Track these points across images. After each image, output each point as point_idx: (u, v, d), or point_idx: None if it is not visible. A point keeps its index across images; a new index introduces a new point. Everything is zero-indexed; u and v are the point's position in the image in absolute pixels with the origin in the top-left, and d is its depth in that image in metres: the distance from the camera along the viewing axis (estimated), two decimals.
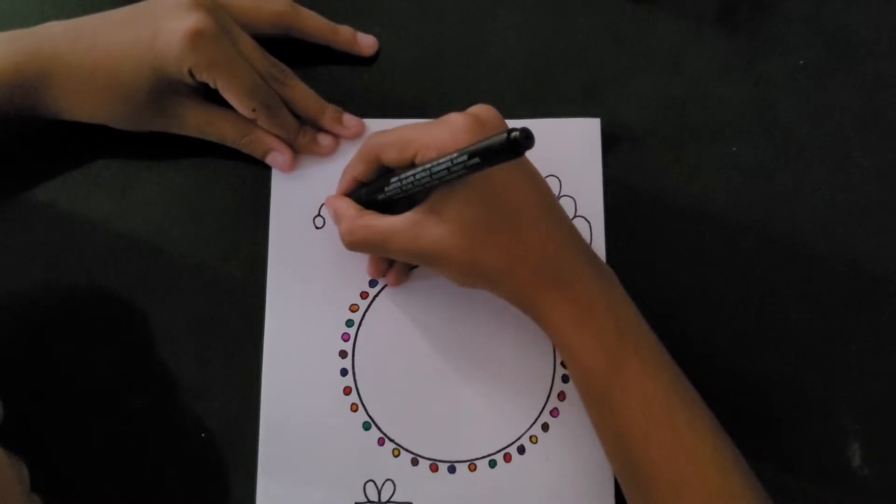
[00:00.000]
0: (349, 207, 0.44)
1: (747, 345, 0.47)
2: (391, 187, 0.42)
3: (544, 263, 0.41)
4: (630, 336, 0.41)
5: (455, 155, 0.37)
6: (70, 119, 0.46)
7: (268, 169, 0.49)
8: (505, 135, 0.34)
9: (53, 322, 0.47)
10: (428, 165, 0.39)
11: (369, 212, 0.44)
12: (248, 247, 0.48)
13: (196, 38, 0.43)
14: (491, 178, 0.38)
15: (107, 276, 0.48)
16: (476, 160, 0.36)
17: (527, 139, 0.33)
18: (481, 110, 0.42)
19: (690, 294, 0.48)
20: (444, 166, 0.37)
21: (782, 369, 0.47)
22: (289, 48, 0.49)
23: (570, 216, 0.48)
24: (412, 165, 0.41)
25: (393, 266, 0.47)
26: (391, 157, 0.42)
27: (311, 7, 0.50)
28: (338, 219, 0.45)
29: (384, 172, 0.44)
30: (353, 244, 0.44)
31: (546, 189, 0.43)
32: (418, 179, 0.39)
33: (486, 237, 0.41)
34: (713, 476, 0.39)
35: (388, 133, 0.43)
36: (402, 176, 0.41)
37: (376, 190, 0.43)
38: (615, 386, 0.41)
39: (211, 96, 0.46)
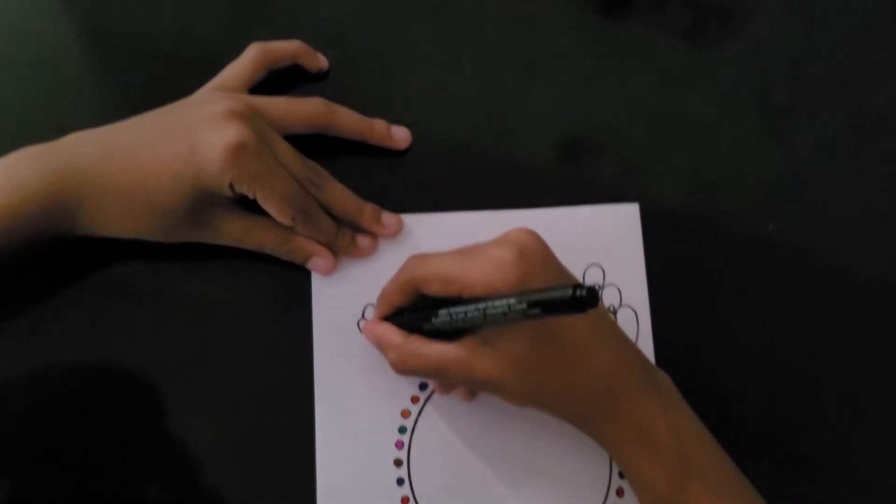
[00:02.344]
0: (394, 334, 0.43)
1: (798, 426, 0.48)
2: (440, 320, 0.40)
3: (601, 390, 0.41)
4: (693, 452, 0.41)
5: (513, 301, 0.35)
6: (105, 236, 0.45)
7: (306, 272, 0.48)
8: (570, 291, 0.32)
9: (90, 441, 0.46)
10: (481, 306, 0.37)
11: (416, 337, 0.42)
12: (292, 354, 0.47)
13: (237, 152, 0.41)
14: None
15: (144, 392, 0.46)
16: (536, 311, 0.34)
17: (593, 298, 0.32)
18: (523, 238, 0.41)
19: (739, 374, 0.48)
20: (499, 310, 0.36)
21: (832, 451, 0.48)
22: (319, 142, 0.48)
23: (616, 306, 0.48)
24: (458, 298, 0.40)
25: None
26: (434, 290, 0.41)
27: (340, 98, 0.49)
28: (383, 347, 0.44)
29: (423, 297, 0.43)
30: (405, 371, 0.42)
31: (601, 311, 0.42)
32: (470, 318, 0.38)
33: (540, 370, 0.40)
34: None
35: (428, 264, 0.42)
36: (453, 311, 0.39)
37: (422, 319, 0.42)
38: None
39: (246, 203, 0.45)
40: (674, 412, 0.42)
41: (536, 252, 0.40)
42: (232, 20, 0.51)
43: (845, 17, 0.53)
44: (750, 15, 0.53)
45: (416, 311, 0.43)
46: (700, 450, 0.42)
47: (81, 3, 0.52)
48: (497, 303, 0.36)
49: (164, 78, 0.50)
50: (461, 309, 0.39)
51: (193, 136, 0.42)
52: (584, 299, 0.32)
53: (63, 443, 0.46)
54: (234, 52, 0.49)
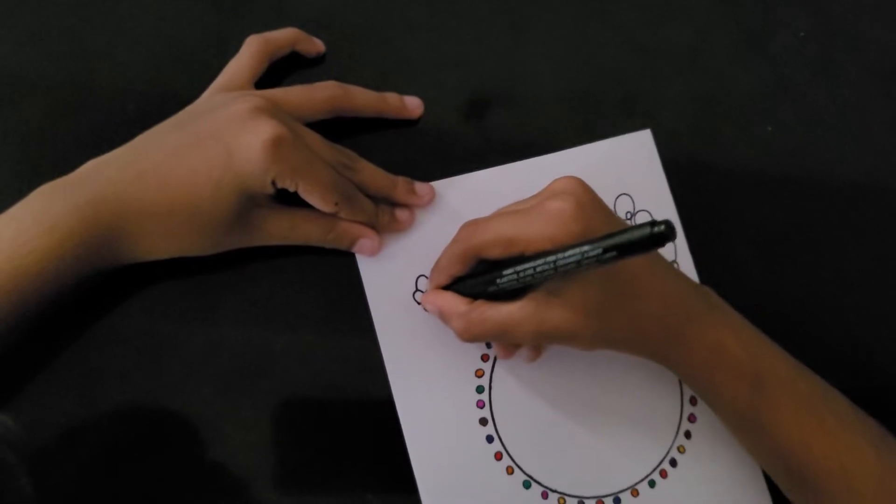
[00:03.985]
0: (457, 302, 0.43)
1: (836, 317, 0.51)
2: (505, 280, 0.40)
3: (668, 319, 0.42)
4: (762, 358, 0.43)
5: (586, 249, 0.35)
6: (148, 260, 0.43)
7: (349, 257, 0.47)
8: (648, 229, 0.32)
9: (164, 467, 0.44)
10: (551, 259, 0.37)
11: (480, 303, 0.42)
12: (356, 340, 0.47)
13: (276, 147, 0.40)
14: None
15: (207, 409, 0.45)
16: (612, 254, 0.34)
17: (671, 231, 0.31)
18: (574, 187, 0.41)
19: (774, 274, 0.51)
20: (572, 260, 0.36)
21: (867, 313, 0.51)
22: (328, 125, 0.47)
23: None
24: (520, 257, 0.40)
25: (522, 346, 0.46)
26: (496, 254, 0.41)
27: (346, 75, 0.48)
28: (446, 316, 0.44)
29: (481, 263, 0.43)
30: (472, 339, 0.43)
31: None
32: (539, 272, 0.38)
33: (610, 311, 0.41)
34: (870, 456, 0.42)
35: (486, 229, 0.42)
36: (519, 269, 0.39)
37: (484, 283, 0.42)
38: (762, 408, 0.42)
39: (285, 199, 0.44)
40: (735, 324, 0.44)
41: (590, 199, 0.41)
42: (214, 19, 0.50)
43: None
44: None
45: (475, 276, 0.43)
46: (767, 353, 0.44)
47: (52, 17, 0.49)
48: (569, 253, 0.36)
49: (157, 83, 0.48)
50: (528, 265, 0.39)
51: (226, 139, 0.41)
52: (664, 234, 0.31)
53: (134, 467, 0.44)
54: (223, 48, 0.48)
